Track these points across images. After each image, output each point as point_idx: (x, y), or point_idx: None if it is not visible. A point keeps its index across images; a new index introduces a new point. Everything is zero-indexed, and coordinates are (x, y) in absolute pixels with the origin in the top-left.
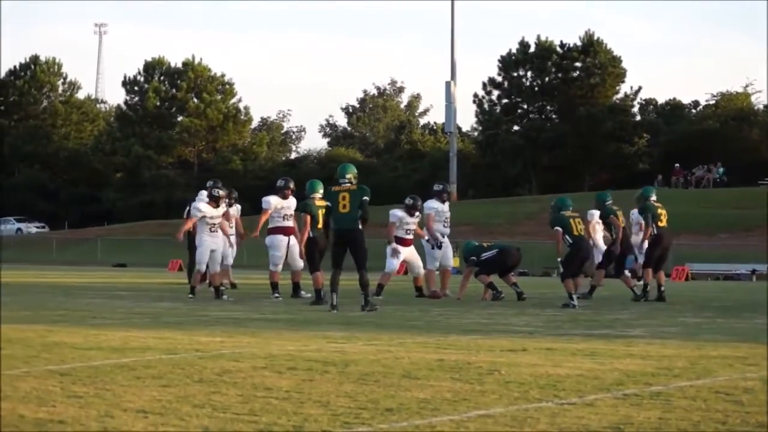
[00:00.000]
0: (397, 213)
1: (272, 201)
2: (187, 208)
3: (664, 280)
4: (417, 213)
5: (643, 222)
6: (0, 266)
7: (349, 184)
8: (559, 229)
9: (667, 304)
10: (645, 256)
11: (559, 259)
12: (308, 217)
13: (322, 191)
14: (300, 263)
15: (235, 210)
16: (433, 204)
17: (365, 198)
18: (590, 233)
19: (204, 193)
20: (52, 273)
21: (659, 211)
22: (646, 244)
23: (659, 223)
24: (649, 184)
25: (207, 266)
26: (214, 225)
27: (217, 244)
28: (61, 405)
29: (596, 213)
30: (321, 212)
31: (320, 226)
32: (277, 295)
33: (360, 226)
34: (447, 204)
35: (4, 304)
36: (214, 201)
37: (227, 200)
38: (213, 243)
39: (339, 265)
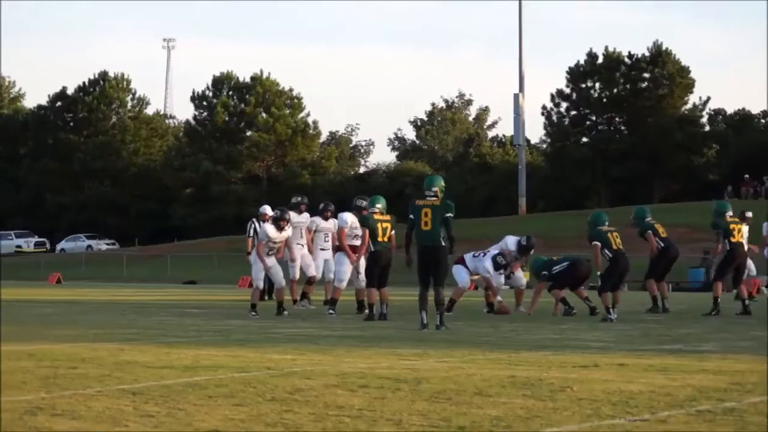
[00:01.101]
0: (489, 270)
1: (348, 220)
2: (251, 225)
3: (746, 293)
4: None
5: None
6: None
7: (434, 198)
8: (598, 243)
9: (751, 317)
10: (716, 271)
11: (599, 273)
12: (366, 231)
13: (380, 206)
14: (362, 282)
15: (332, 224)
16: (511, 245)
17: (449, 215)
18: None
19: (267, 207)
20: (123, 291)
21: (732, 226)
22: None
23: (732, 239)
24: (719, 195)
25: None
26: (273, 248)
27: (273, 262)
28: (134, 424)
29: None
30: (381, 225)
31: (380, 238)
32: (331, 311)
33: (443, 243)
34: (525, 259)
35: (76, 323)
36: (278, 225)
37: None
38: (268, 261)
39: (426, 283)
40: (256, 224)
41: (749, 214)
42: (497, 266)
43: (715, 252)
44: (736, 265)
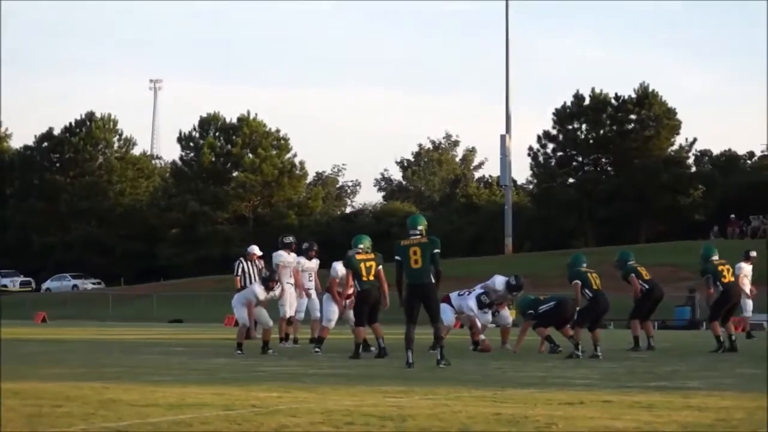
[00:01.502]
0: (473, 308)
1: (340, 272)
2: (239, 264)
3: (732, 330)
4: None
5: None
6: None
7: (419, 236)
8: (578, 282)
9: (737, 353)
10: (711, 311)
11: (577, 308)
12: (349, 273)
13: (362, 246)
14: (351, 320)
15: (315, 264)
16: (499, 285)
17: (436, 251)
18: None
19: (255, 247)
20: (109, 329)
21: (720, 268)
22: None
23: (724, 280)
24: (705, 235)
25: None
26: (258, 304)
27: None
28: None
29: (744, 266)
30: (364, 265)
31: (365, 278)
32: (317, 350)
33: (433, 280)
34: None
35: (62, 361)
36: (267, 286)
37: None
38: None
39: (413, 320)
40: (244, 264)
41: (753, 254)
42: (481, 305)
43: (710, 296)
44: (730, 306)
